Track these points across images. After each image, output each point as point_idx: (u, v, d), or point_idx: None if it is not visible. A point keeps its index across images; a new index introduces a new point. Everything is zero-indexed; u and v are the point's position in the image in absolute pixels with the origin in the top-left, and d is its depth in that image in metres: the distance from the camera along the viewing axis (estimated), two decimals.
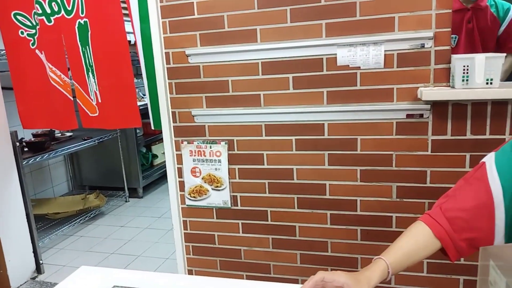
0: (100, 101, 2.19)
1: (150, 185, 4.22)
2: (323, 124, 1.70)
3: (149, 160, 4.22)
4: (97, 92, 2.17)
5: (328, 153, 1.73)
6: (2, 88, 2.45)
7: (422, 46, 1.54)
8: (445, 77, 1.56)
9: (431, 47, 1.54)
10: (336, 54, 1.63)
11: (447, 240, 0.85)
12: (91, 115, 2.25)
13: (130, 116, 2.15)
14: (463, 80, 1.49)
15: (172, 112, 1.90)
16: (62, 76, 2.30)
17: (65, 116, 2.36)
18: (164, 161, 4.70)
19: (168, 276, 1.00)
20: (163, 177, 4.34)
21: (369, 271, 0.82)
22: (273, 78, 1.73)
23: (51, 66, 2.28)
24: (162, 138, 4.45)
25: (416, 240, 0.87)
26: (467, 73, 1.47)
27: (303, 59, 1.67)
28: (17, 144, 2.55)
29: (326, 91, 1.67)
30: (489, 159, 0.86)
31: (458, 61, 1.47)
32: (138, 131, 3.96)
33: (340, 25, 1.61)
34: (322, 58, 1.65)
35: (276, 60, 1.71)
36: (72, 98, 2.33)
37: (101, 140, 3.56)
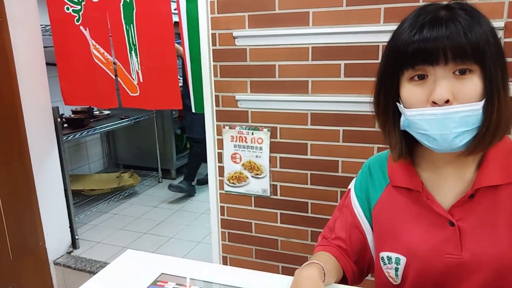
0: (141, 80, 2.16)
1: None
2: (374, 115, 1.61)
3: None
4: (139, 72, 2.15)
5: (378, 146, 1.64)
6: (46, 63, 2.47)
7: None
8: None
9: (500, 38, 1.41)
10: None
11: (345, 262, 0.92)
12: (131, 94, 2.23)
13: (171, 97, 2.11)
14: None
15: (215, 95, 1.85)
16: (105, 54, 2.28)
17: (106, 94, 2.36)
18: None
19: (217, 267, 0.96)
20: None
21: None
22: (324, 65, 1.65)
23: (94, 43, 2.27)
24: None
25: (327, 258, 0.92)
26: None
27: (358, 46, 1.58)
28: (58, 120, 2.58)
29: None
30: (352, 184, 0.97)
31: None
32: (174, 113, 3.96)
33: (399, 11, 1.50)
34: (378, 46, 1.55)
35: (328, 45, 1.62)
36: (114, 77, 2.31)
37: (137, 120, 3.58)
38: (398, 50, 0.73)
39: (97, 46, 2.26)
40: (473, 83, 0.69)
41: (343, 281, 0.92)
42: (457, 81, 0.69)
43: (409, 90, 0.74)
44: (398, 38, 0.74)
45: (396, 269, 0.86)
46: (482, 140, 0.72)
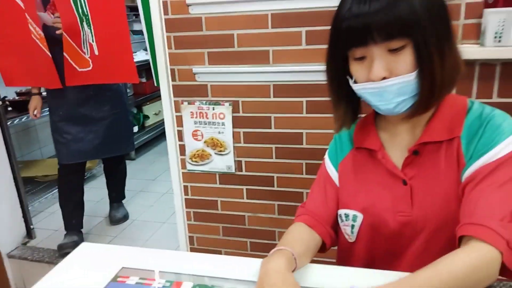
0: (96, 53, 1.96)
1: (142, 147, 4.07)
2: None
3: (141, 121, 4.06)
4: (93, 44, 1.94)
5: None
6: None
7: None
8: (474, 34, 1.42)
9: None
10: None
11: (321, 229, 0.92)
12: (79, 69, 2.04)
13: (126, 70, 1.93)
14: (495, 37, 1.35)
15: (171, 69, 1.74)
16: (37, 29, 2.07)
17: (46, 74, 2.15)
18: (156, 123, 4.53)
19: (184, 254, 0.90)
20: (155, 139, 4.20)
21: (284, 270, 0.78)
22: (284, 32, 1.57)
23: (28, 17, 2.04)
24: (153, 98, 4.29)
25: (301, 235, 0.90)
26: (502, 29, 1.34)
27: (318, 11, 1.51)
28: (0, 103, 2.37)
29: None
30: (326, 152, 1.00)
31: (493, 15, 1.33)
32: (128, 91, 3.76)
33: None
34: None
35: (287, 11, 1.54)
36: (49, 54, 2.11)
37: None
38: (335, 31, 0.78)
39: (30, 20, 2.05)
40: (406, 57, 0.73)
41: (321, 248, 0.93)
42: (392, 57, 0.73)
43: (353, 67, 0.79)
44: (336, 17, 0.77)
45: (352, 226, 0.89)
46: (421, 104, 0.76)
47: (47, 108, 2.48)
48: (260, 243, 1.86)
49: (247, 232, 1.87)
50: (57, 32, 2.00)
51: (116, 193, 2.82)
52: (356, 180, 0.90)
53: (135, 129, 3.91)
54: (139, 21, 1.88)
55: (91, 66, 1.99)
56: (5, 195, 2.38)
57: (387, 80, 0.74)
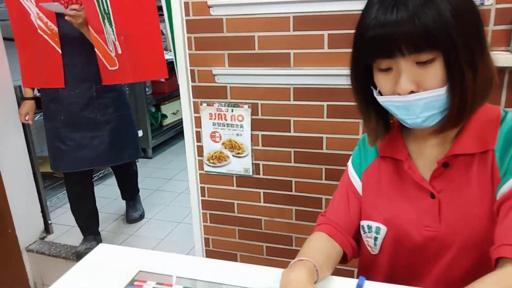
0: (119, 52, 1.94)
1: (159, 146, 4.09)
2: None
3: (158, 120, 4.08)
4: (116, 43, 1.94)
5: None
6: (4, 39, 2.26)
7: (482, 3, 1.35)
8: (504, 40, 1.37)
9: (491, 4, 1.34)
10: None
11: (342, 239, 0.88)
12: (110, 68, 2.00)
13: (155, 66, 1.90)
14: None
15: (190, 70, 1.73)
16: (49, 23, 1.99)
17: (52, 72, 2.08)
18: (173, 122, 4.56)
19: (202, 260, 0.89)
20: (172, 138, 4.21)
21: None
22: (306, 35, 1.54)
23: (38, 12, 1.98)
24: (171, 98, 4.30)
25: (322, 245, 0.88)
26: None
27: (342, 14, 1.48)
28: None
29: None
30: (350, 159, 0.95)
31: None
32: (147, 89, 3.79)
33: None
34: None
35: (310, 14, 1.51)
36: (60, 50, 2.03)
37: None
38: (359, 41, 0.74)
39: (40, 14, 1.99)
40: (436, 71, 0.69)
41: (342, 259, 0.91)
42: (420, 69, 0.69)
43: (378, 79, 0.75)
44: (360, 24, 0.73)
45: (375, 239, 0.87)
46: (451, 120, 0.73)
47: (41, 112, 2.34)
48: (276, 248, 1.84)
49: (263, 236, 1.85)
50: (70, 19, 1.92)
51: (129, 193, 2.81)
52: (380, 191, 0.87)
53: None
54: (162, 21, 1.87)
55: (117, 65, 1.98)
56: (24, 189, 2.42)
57: (415, 95, 0.70)
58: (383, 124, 0.83)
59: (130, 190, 2.80)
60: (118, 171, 2.69)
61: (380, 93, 0.76)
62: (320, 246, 0.87)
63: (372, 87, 0.78)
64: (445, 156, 0.78)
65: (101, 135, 2.23)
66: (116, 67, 2.00)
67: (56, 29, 2.03)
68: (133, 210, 2.78)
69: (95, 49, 1.99)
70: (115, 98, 2.26)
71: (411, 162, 0.82)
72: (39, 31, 2.02)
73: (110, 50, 1.96)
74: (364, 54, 0.74)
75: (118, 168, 2.65)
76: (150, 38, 1.89)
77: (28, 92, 2.25)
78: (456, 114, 0.72)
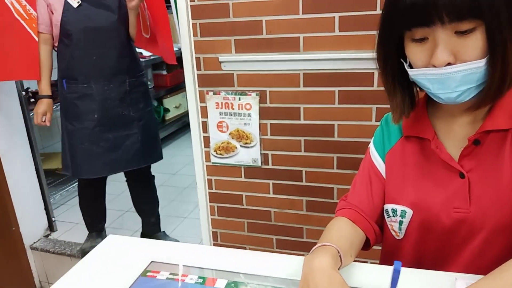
0: (148, 24, 2.08)
1: (162, 141, 4.00)
2: (373, 73, 1.48)
3: (161, 115, 4.02)
4: (146, 14, 2.04)
5: (376, 107, 1.52)
6: None
7: None
8: None
9: None
10: None
11: (365, 224, 0.84)
12: (144, 35, 2.10)
13: (167, 51, 1.93)
14: None
15: (196, 57, 1.68)
16: (28, 7, 1.80)
17: (28, 62, 1.88)
18: (176, 116, 4.49)
19: (216, 249, 0.84)
20: (175, 133, 4.16)
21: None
22: (316, 18, 1.49)
23: None
24: (174, 91, 4.25)
25: (344, 230, 0.83)
26: None
27: None
28: (23, 94, 2.36)
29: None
30: (371, 141, 0.91)
31: None
32: (149, 83, 3.73)
33: None
34: None
35: None
36: (36, 38, 1.82)
37: None
38: (393, 9, 0.69)
39: None
40: (476, 41, 0.64)
41: (365, 245, 0.86)
42: (459, 39, 0.64)
43: (411, 50, 0.70)
44: None
45: (400, 223, 0.82)
46: (489, 95, 0.68)
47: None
48: (286, 240, 1.79)
49: (273, 229, 1.80)
50: None
51: (152, 223, 2.39)
52: (406, 173, 0.82)
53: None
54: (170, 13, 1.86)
55: (149, 34, 2.08)
56: (27, 187, 2.38)
57: (452, 67, 0.65)
58: (409, 101, 0.78)
59: (152, 218, 2.39)
60: (134, 189, 2.36)
61: (411, 66, 0.71)
62: (342, 232, 0.82)
63: (402, 61, 0.73)
64: (477, 133, 0.73)
65: (134, 133, 2.02)
66: (148, 36, 2.07)
67: (34, 13, 1.82)
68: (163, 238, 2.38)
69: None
70: (144, 92, 2.10)
71: (438, 141, 0.78)
72: (15, 14, 1.81)
73: (147, 18, 2.03)
74: (399, 22, 0.68)
75: (133, 184, 2.34)
76: (162, 23, 1.95)
77: (44, 89, 1.97)
78: (495, 89, 0.67)
